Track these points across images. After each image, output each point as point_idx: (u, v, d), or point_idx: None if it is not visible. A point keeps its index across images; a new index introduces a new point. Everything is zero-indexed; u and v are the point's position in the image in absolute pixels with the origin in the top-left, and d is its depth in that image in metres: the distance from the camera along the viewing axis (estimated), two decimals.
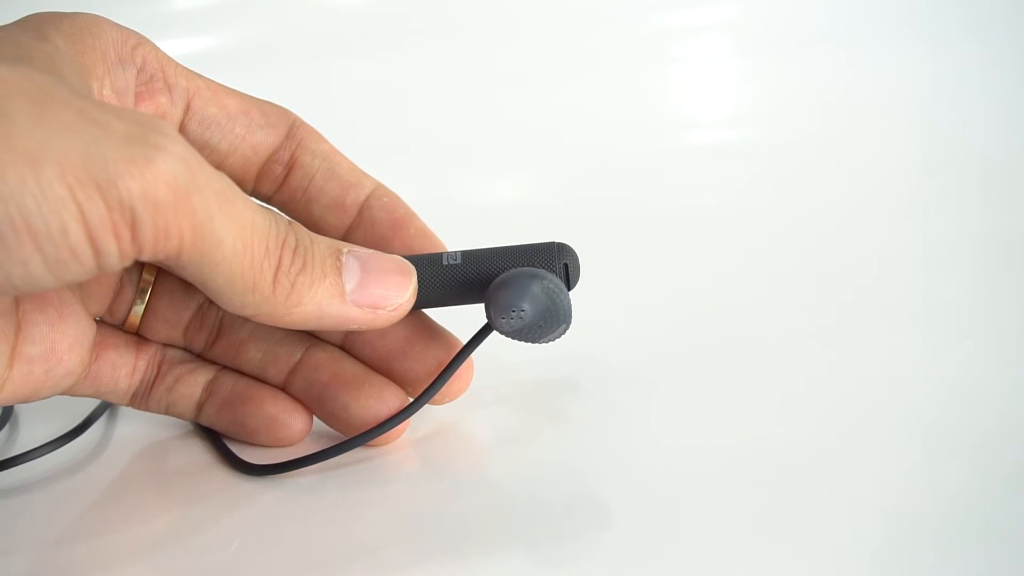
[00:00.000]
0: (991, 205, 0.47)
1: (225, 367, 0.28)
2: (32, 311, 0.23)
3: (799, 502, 0.24)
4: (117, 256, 0.18)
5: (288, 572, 0.22)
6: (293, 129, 0.27)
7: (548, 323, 0.25)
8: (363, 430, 0.26)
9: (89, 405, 0.30)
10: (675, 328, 0.35)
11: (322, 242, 0.23)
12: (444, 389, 0.27)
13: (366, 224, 0.27)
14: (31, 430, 0.29)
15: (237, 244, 0.20)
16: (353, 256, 0.23)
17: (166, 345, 0.28)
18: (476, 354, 0.26)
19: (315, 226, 0.27)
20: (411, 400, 0.27)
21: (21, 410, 0.31)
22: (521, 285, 0.24)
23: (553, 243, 0.26)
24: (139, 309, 0.26)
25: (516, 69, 0.56)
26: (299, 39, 0.54)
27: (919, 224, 0.45)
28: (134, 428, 0.30)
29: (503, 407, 0.30)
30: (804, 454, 0.27)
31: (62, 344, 0.24)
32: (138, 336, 0.27)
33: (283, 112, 0.27)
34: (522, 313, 0.24)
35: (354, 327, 0.24)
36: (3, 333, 0.23)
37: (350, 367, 0.27)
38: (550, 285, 0.24)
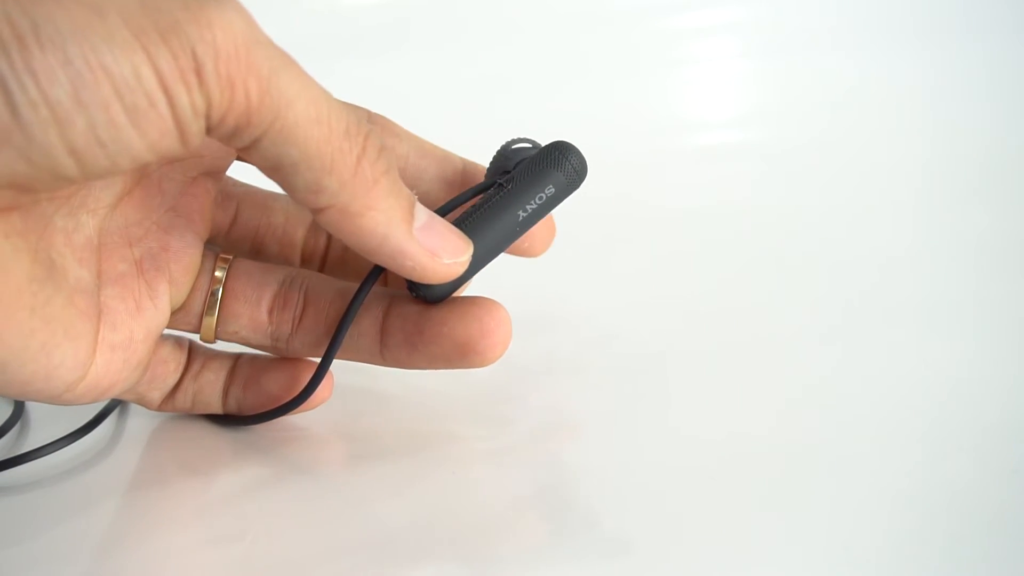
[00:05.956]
0: (998, 205, 0.47)
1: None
2: (113, 298, 0.23)
3: (804, 497, 0.25)
4: (190, 109, 0.18)
5: (307, 558, 0.23)
6: (372, 118, 0.27)
7: None
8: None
9: (99, 403, 0.30)
10: (683, 327, 0.36)
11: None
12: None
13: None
14: (41, 429, 0.29)
15: (310, 110, 0.19)
16: (422, 206, 0.23)
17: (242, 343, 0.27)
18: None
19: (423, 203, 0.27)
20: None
21: (32, 409, 0.31)
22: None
23: (567, 167, 0.26)
24: (213, 316, 0.26)
25: (521, 71, 0.56)
26: (295, 42, 0.54)
27: (925, 224, 0.46)
28: (146, 419, 0.30)
29: (507, 404, 0.30)
30: (810, 450, 0.27)
31: (139, 334, 0.24)
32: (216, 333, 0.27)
33: (356, 106, 0.27)
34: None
35: (408, 265, 0.23)
36: (88, 314, 0.22)
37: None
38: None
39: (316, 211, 0.21)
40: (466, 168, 0.28)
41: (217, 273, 0.26)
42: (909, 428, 0.28)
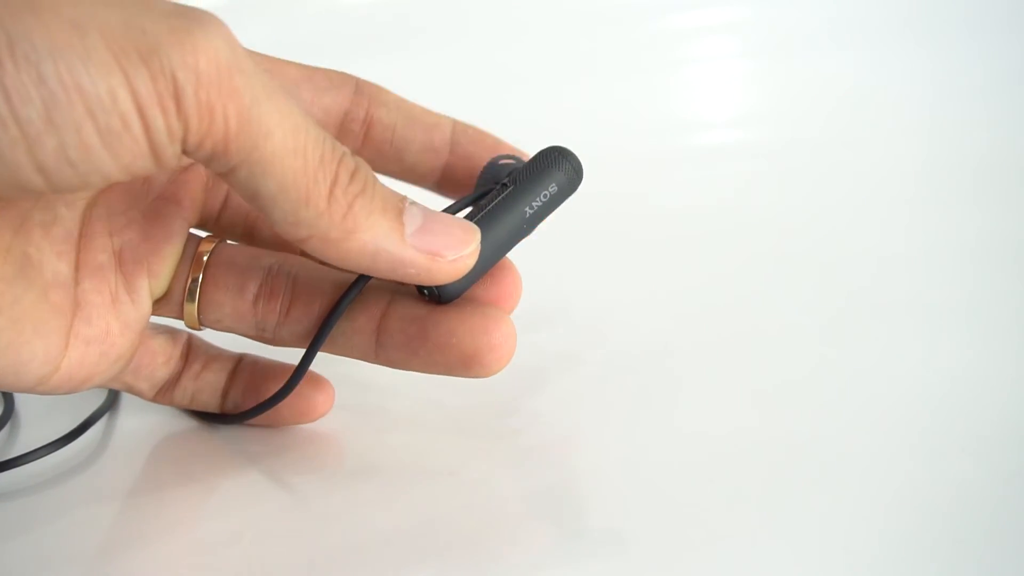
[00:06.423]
0: (996, 205, 0.47)
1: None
2: (90, 291, 0.23)
3: (804, 497, 0.24)
4: (166, 132, 0.18)
5: (304, 562, 0.22)
6: (360, 87, 0.27)
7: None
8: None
9: (92, 404, 0.30)
10: (684, 326, 0.35)
11: (387, 188, 0.22)
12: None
13: (462, 160, 0.27)
14: (31, 431, 0.29)
15: (288, 141, 0.19)
16: (416, 207, 0.22)
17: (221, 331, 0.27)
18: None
19: (411, 173, 0.27)
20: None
21: (22, 410, 0.30)
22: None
23: (568, 169, 0.26)
24: (193, 304, 0.26)
25: (522, 71, 0.56)
26: (297, 42, 0.54)
27: (925, 223, 0.46)
28: (139, 423, 0.29)
29: (507, 404, 0.30)
30: (810, 451, 0.27)
31: (115, 327, 0.24)
32: (199, 321, 0.26)
33: (344, 74, 0.27)
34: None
35: (411, 273, 0.22)
36: (61, 308, 0.22)
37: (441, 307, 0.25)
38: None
39: (299, 242, 0.21)
40: (455, 131, 0.28)
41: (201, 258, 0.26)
42: (910, 427, 0.28)
